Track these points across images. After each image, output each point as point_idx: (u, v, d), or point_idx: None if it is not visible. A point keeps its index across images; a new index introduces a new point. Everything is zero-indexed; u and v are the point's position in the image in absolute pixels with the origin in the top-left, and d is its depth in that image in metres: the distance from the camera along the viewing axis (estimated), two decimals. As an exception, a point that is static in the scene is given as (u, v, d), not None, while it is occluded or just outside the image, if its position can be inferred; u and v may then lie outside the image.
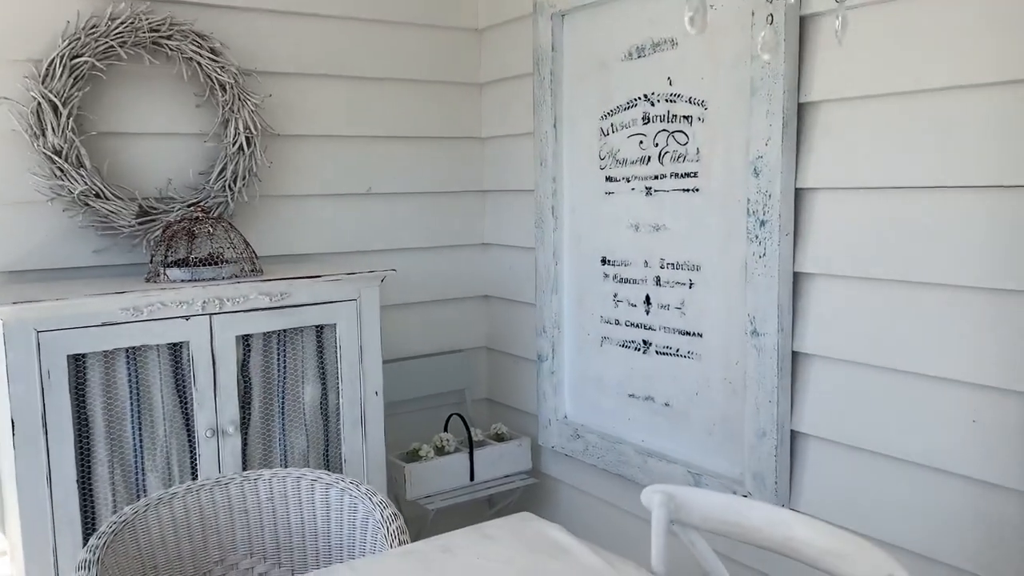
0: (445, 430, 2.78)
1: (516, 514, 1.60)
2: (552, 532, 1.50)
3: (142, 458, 2.06)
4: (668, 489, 1.41)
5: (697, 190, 2.15)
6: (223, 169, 2.43)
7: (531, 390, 2.84)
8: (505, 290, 2.97)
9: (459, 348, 3.04)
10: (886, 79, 1.73)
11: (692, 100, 2.14)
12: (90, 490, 2.00)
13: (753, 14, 1.92)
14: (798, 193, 1.92)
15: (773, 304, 1.94)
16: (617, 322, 2.44)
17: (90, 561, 1.46)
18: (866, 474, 1.85)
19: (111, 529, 1.57)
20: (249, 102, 2.44)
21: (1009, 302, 1.58)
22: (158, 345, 2.05)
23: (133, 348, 2.03)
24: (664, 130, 2.23)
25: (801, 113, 1.90)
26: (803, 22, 1.87)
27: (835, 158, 1.84)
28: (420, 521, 2.65)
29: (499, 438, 2.81)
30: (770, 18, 1.01)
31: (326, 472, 1.78)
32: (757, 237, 1.96)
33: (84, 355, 1.97)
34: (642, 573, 1.34)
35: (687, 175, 2.18)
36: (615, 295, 2.44)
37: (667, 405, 2.30)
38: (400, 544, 1.60)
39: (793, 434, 1.99)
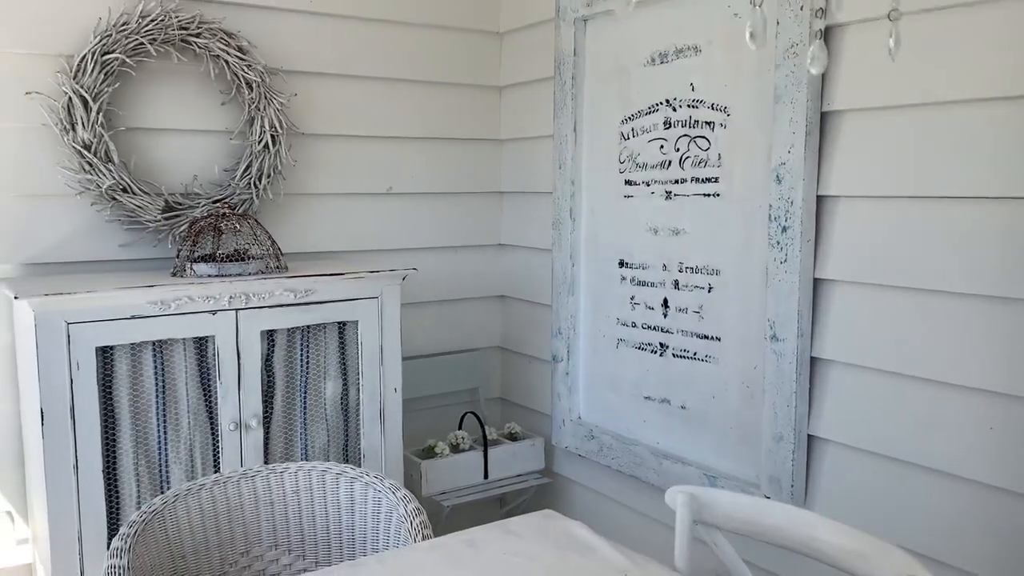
0: (460, 428, 2.81)
1: (539, 511, 1.63)
2: (576, 530, 1.52)
3: (166, 450, 2.09)
4: (692, 490, 1.44)
5: (718, 195, 2.18)
6: (248, 166, 2.46)
7: (545, 390, 2.87)
8: (521, 290, 2.99)
9: (474, 347, 3.07)
10: (907, 91, 1.75)
11: (715, 106, 2.17)
12: (115, 481, 2.03)
13: (778, 23, 1.94)
14: (819, 200, 1.95)
15: (793, 310, 1.96)
16: (634, 324, 2.47)
17: (122, 549, 1.48)
18: (882, 479, 1.87)
19: (142, 519, 1.59)
20: (275, 101, 2.47)
21: (1020, 310, 1.60)
22: (184, 339, 2.08)
23: (160, 341, 2.06)
24: (686, 135, 2.26)
25: (824, 122, 1.93)
26: (827, 32, 1.90)
27: (856, 167, 1.87)
28: (434, 518, 2.67)
29: (512, 437, 2.84)
30: (819, 33, 1.03)
31: (351, 466, 1.81)
32: (779, 243, 1.98)
33: (112, 347, 2.00)
34: (666, 572, 1.36)
35: (708, 180, 2.20)
36: (632, 297, 2.47)
37: (683, 408, 2.33)
38: (424, 539, 1.63)
39: (810, 438, 2.01)
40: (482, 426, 2.73)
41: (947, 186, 1.71)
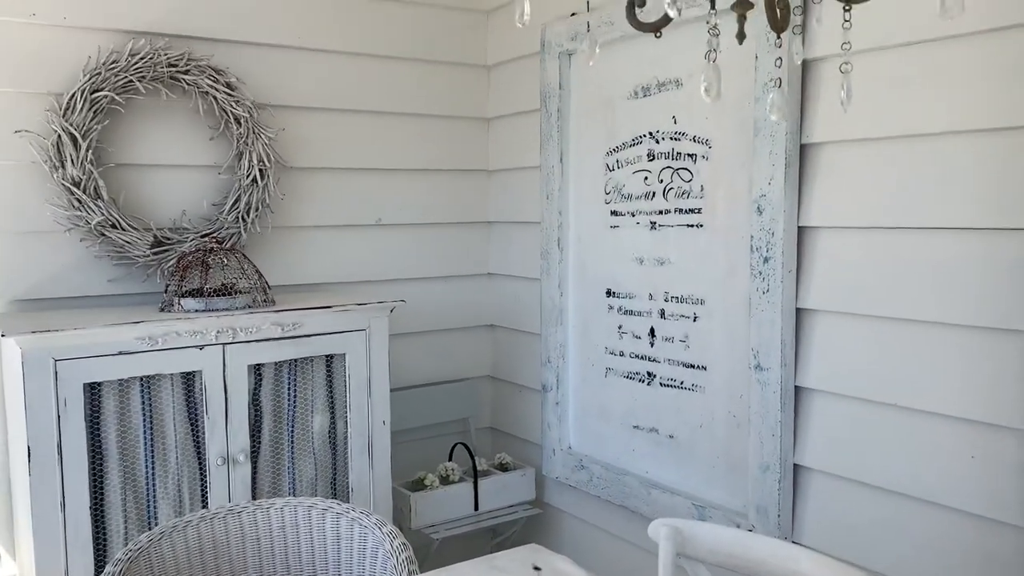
0: (450, 459, 2.81)
1: (525, 546, 1.63)
2: (561, 564, 1.52)
3: (154, 485, 2.09)
4: (675, 523, 1.44)
5: (701, 226, 2.20)
6: (237, 200, 2.48)
7: (536, 420, 2.87)
8: (510, 320, 3.01)
9: (464, 377, 3.07)
10: (885, 123, 1.78)
11: (696, 139, 2.20)
12: (102, 516, 2.03)
13: (756, 57, 1.98)
14: (801, 231, 1.97)
15: (776, 339, 1.98)
16: (622, 353, 2.48)
17: (107, 588, 1.48)
18: (868, 508, 1.88)
19: (127, 556, 1.59)
20: (263, 135, 2.50)
21: (1002, 341, 1.62)
22: (172, 374, 2.09)
23: (147, 377, 2.06)
24: (669, 167, 2.29)
25: (803, 153, 1.95)
26: (805, 66, 1.93)
27: (836, 198, 1.89)
28: (424, 550, 2.67)
29: (503, 468, 2.84)
30: (778, 82, 1.05)
31: (337, 502, 1.81)
32: (761, 273, 2.00)
33: (100, 384, 2.00)
34: (650, 605, 1.36)
35: (691, 211, 2.23)
36: (620, 327, 2.48)
37: (671, 437, 2.33)
38: (410, 574, 1.63)
39: (796, 468, 2.02)
40: (472, 457, 2.73)
41: (925, 217, 1.73)
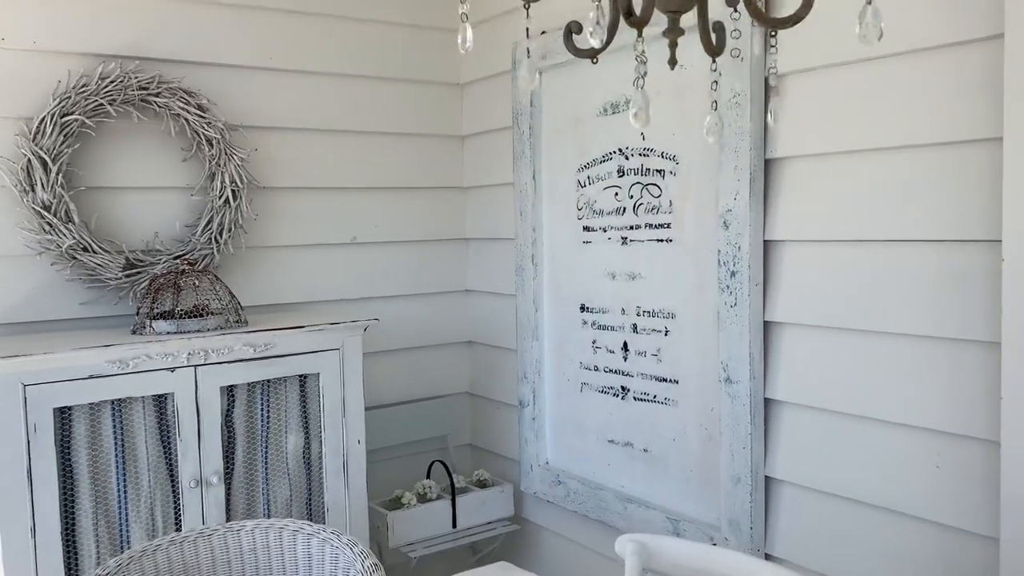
0: (428, 477, 2.81)
1: (495, 563, 1.63)
2: (529, 581, 1.53)
3: (126, 509, 2.08)
4: (641, 538, 1.45)
5: (670, 240, 2.22)
6: (209, 221, 2.48)
7: (514, 436, 2.88)
8: (487, 336, 3.01)
9: (442, 394, 3.07)
10: (845, 138, 1.81)
11: (664, 155, 2.22)
12: (74, 541, 2.01)
13: (720, 74, 1.99)
14: (767, 245, 1.99)
15: (745, 352, 1.99)
16: (596, 368, 2.49)
17: (73, 615, 1.47)
18: (838, 520, 1.89)
19: (94, 582, 1.58)
20: (235, 156, 2.50)
21: (962, 350, 1.64)
22: (143, 397, 2.08)
23: (119, 400, 2.06)
24: (638, 183, 2.31)
25: (768, 168, 1.98)
26: (768, 82, 1.96)
27: (800, 212, 1.92)
28: (402, 568, 2.67)
29: (482, 484, 2.83)
30: (714, 104, 1.07)
31: (308, 522, 1.81)
32: (728, 287, 2.02)
33: (70, 408, 2.00)
34: (615, 621, 1.37)
35: (661, 226, 2.24)
36: (594, 341, 2.49)
37: (646, 451, 2.34)
38: (381, 594, 1.63)
39: (768, 480, 2.03)
40: (449, 474, 2.73)
41: (885, 230, 1.75)
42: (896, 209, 1.73)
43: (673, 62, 0.87)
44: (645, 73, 0.85)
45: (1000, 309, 1.53)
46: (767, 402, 2.01)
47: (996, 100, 1.54)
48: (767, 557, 2.04)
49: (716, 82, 1.09)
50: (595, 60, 0.89)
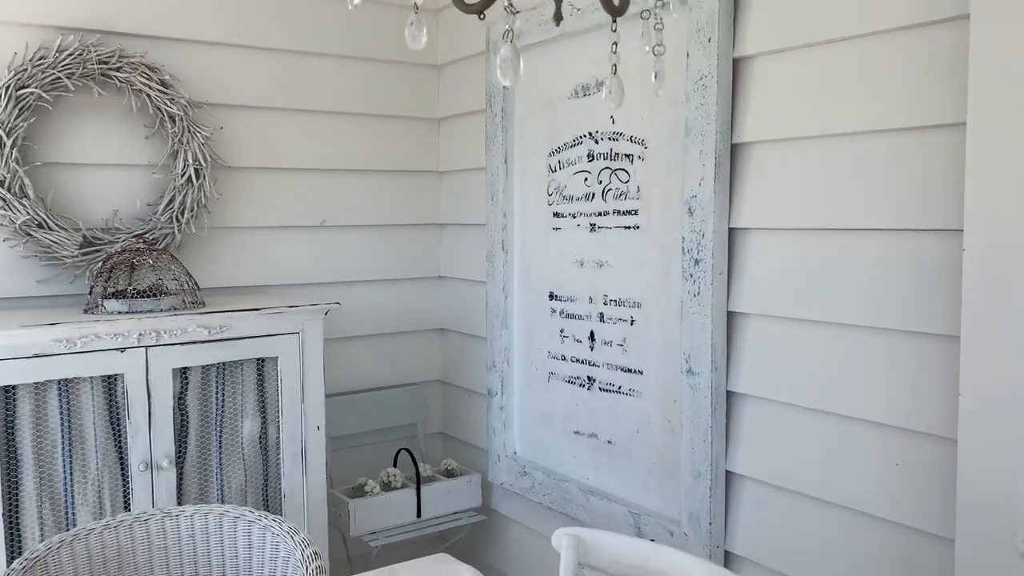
0: (394, 465, 2.76)
1: (432, 555, 1.58)
2: (464, 575, 1.47)
3: (72, 492, 2.03)
4: (577, 531, 1.40)
5: (638, 227, 2.16)
6: (171, 201, 2.43)
7: (483, 425, 2.82)
8: (459, 323, 2.96)
9: (413, 381, 3.02)
10: (810, 122, 1.75)
11: (633, 139, 2.16)
12: (17, 524, 1.97)
13: (688, 55, 1.94)
14: (731, 233, 1.93)
15: (707, 343, 1.93)
16: (563, 358, 2.44)
17: (-7, 599, 1.43)
18: (797, 516, 1.83)
19: (22, 566, 1.54)
20: (199, 134, 2.45)
21: (924, 345, 1.58)
22: (91, 377, 2.03)
23: (65, 380, 2.01)
24: (607, 167, 2.24)
25: (734, 153, 1.91)
26: (736, 64, 1.89)
27: (765, 199, 1.85)
28: (365, 558, 2.62)
29: (449, 474, 2.78)
30: (614, 68, 1.01)
31: (249, 509, 1.76)
32: (692, 276, 1.96)
33: (14, 387, 1.95)
34: (546, 618, 1.32)
35: (628, 212, 2.18)
36: (562, 330, 2.44)
37: (610, 443, 2.29)
38: (318, 584, 1.58)
39: (728, 475, 1.97)
40: (415, 463, 2.68)
41: (851, 218, 1.69)
42: (860, 197, 1.67)
43: (558, 17, 0.81)
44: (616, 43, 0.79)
45: (960, 302, 1.47)
46: (729, 395, 1.96)
47: (962, 83, 1.47)
48: (726, 554, 1.98)
49: (614, 43, 1.01)
50: (482, 16, 0.83)
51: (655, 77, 0.91)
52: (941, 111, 1.52)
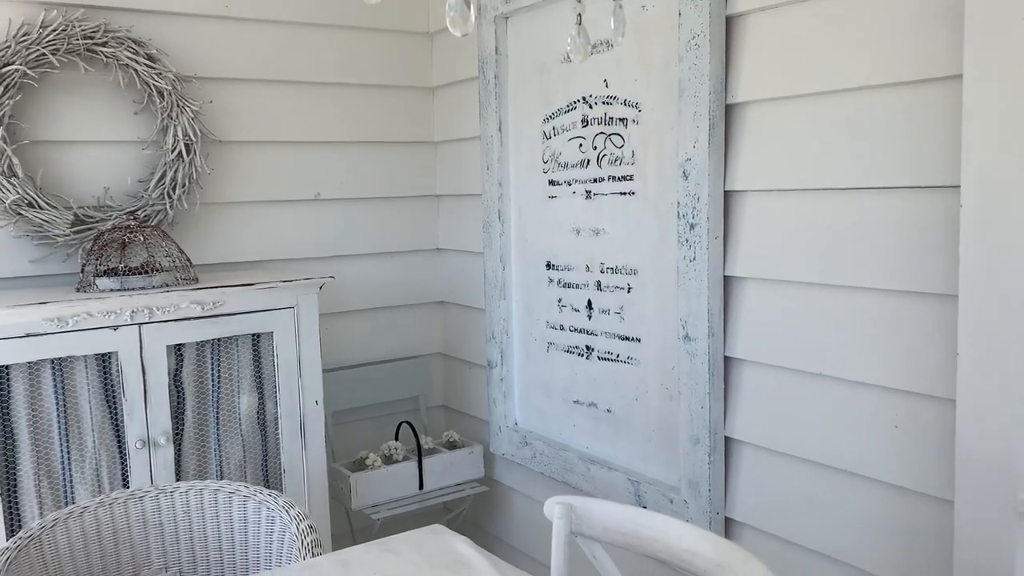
0: (396, 438, 2.75)
1: (428, 527, 1.57)
2: (458, 546, 1.46)
3: (70, 470, 2.03)
4: (569, 500, 1.38)
5: (633, 193, 2.12)
6: (162, 176, 2.41)
7: (484, 396, 2.81)
8: (459, 295, 2.94)
9: (414, 354, 3.01)
10: (807, 79, 1.70)
11: (627, 102, 2.12)
12: (16, 503, 1.97)
13: (680, 14, 1.89)
14: (727, 196, 1.89)
15: (704, 309, 1.90)
16: (562, 327, 2.41)
17: (-13, 578, 1.43)
18: (796, 481, 1.81)
19: (16, 544, 1.54)
20: (188, 108, 2.42)
21: (922, 305, 1.55)
22: (85, 356, 2.03)
23: (59, 359, 2.00)
24: (602, 132, 2.21)
25: (729, 115, 1.87)
26: (729, 22, 1.85)
27: (762, 160, 1.81)
28: (368, 531, 2.62)
29: (451, 446, 2.78)
30: (579, 18, 0.97)
31: (244, 484, 1.75)
32: (687, 241, 1.92)
33: (7, 367, 1.94)
34: (538, 587, 1.30)
35: (623, 178, 2.15)
36: (559, 300, 2.41)
37: (609, 411, 2.27)
38: (313, 557, 1.58)
39: (728, 440, 1.95)
40: (416, 436, 2.67)
41: (847, 177, 1.65)
42: (856, 155, 1.63)
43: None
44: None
45: (958, 260, 1.43)
46: (727, 360, 1.93)
47: (959, 35, 1.42)
48: (726, 520, 1.97)
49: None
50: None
51: (612, 23, 0.87)
52: (938, 64, 1.48)
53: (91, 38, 2.28)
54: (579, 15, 0.77)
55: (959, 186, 1.42)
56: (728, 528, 1.97)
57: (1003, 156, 1.35)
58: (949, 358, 1.49)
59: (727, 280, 1.92)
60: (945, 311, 1.51)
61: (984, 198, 1.37)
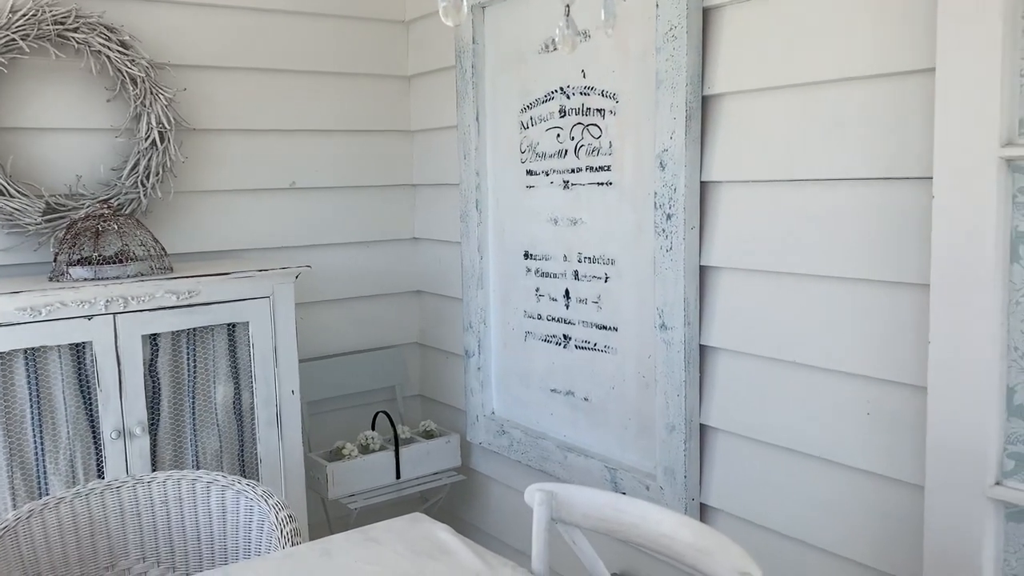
0: (372, 428, 2.76)
1: (409, 515, 1.58)
2: (439, 533, 1.47)
3: (44, 461, 2.01)
4: (550, 487, 1.40)
5: (610, 184, 2.14)
6: (135, 165, 2.38)
7: (461, 386, 2.82)
8: (436, 285, 2.94)
9: (391, 344, 3.01)
10: (782, 71, 1.72)
11: (604, 93, 2.13)
12: (-12, 495, 1.95)
13: (657, 6, 1.90)
14: (703, 186, 1.91)
15: (680, 298, 1.92)
16: (539, 316, 2.43)
17: (-39, 570, 1.42)
18: (771, 468, 1.84)
19: (-9, 536, 1.52)
20: (162, 96, 2.39)
21: (894, 294, 1.58)
22: (59, 346, 2.00)
23: (32, 349, 1.98)
24: (579, 123, 2.21)
25: (705, 106, 1.89)
26: (706, 14, 1.86)
27: (737, 151, 1.83)
28: (345, 520, 2.62)
29: (428, 435, 2.78)
30: (567, 9, 0.98)
31: (222, 474, 1.75)
32: (664, 231, 1.94)
33: (-21, 357, 1.92)
34: (519, 574, 1.32)
35: (601, 169, 2.16)
36: (537, 289, 2.42)
37: (586, 400, 2.29)
38: (293, 546, 1.58)
39: (703, 428, 1.98)
40: (393, 425, 2.67)
41: (821, 168, 1.68)
42: (830, 146, 1.65)
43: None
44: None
45: (930, 250, 1.46)
46: (703, 349, 1.95)
47: (932, 28, 1.45)
48: (702, 507, 2.00)
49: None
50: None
51: (603, 15, 0.88)
52: (911, 57, 1.50)
53: (62, 23, 2.25)
54: (567, 6, 0.78)
55: (931, 177, 1.45)
56: (703, 514, 2.00)
57: (975, 148, 1.37)
58: (921, 346, 1.53)
59: (703, 270, 1.94)
60: (917, 300, 1.54)
61: (956, 189, 1.40)
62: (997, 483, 1.42)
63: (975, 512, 1.44)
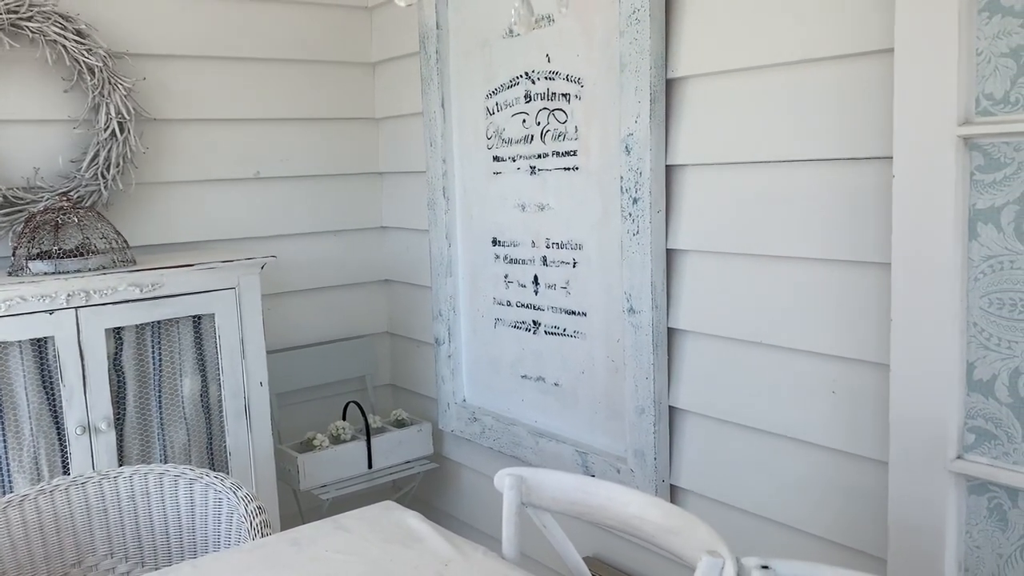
0: (343, 418, 2.74)
1: (380, 503, 1.57)
2: (410, 521, 1.47)
3: (7, 459, 1.98)
4: (519, 471, 1.40)
5: (577, 168, 2.14)
6: (95, 156, 2.34)
7: (432, 374, 2.81)
8: (404, 274, 2.93)
9: (360, 334, 2.99)
10: (744, 53, 1.73)
11: (569, 77, 2.12)
12: (-50, 494, 1.92)
13: (620, -11, 1.90)
14: (669, 170, 1.92)
15: (647, 281, 1.93)
16: (509, 303, 2.42)
17: (-78, 571, 1.39)
18: (739, 448, 1.86)
19: (-48, 536, 1.50)
20: (121, 86, 2.35)
21: (857, 273, 1.60)
22: (20, 341, 1.97)
23: (-9, 345, 1.94)
24: (545, 108, 2.21)
25: (670, 89, 1.89)
26: (665, -4, 1.86)
27: (701, 134, 1.84)
28: (317, 511, 2.61)
29: (400, 424, 2.78)
30: None
31: (189, 467, 1.73)
32: (631, 215, 1.95)
33: (-63, 354, 1.88)
34: (490, 558, 1.32)
35: (567, 153, 2.16)
36: (506, 276, 2.42)
37: (557, 385, 2.29)
38: (262, 537, 1.57)
39: (672, 410, 1.99)
40: (364, 415, 2.66)
41: (781, 150, 1.69)
42: (792, 128, 1.66)
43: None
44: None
45: (890, 229, 1.48)
46: (670, 331, 1.97)
47: (890, 9, 1.46)
48: (672, 488, 2.01)
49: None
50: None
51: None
52: (870, 38, 1.52)
53: (15, 12, 2.20)
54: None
55: (891, 157, 1.47)
56: (673, 495, 2.02)
57: (933, 127, 1.39)
58: (883, 324, 1.55)
59: (669, 253, 1.95)
60: (879, 279, 1.56)
61: (915, 168, 1.42)
62: (958, 457, 1.45)
63: (937, 486, 1.46)
